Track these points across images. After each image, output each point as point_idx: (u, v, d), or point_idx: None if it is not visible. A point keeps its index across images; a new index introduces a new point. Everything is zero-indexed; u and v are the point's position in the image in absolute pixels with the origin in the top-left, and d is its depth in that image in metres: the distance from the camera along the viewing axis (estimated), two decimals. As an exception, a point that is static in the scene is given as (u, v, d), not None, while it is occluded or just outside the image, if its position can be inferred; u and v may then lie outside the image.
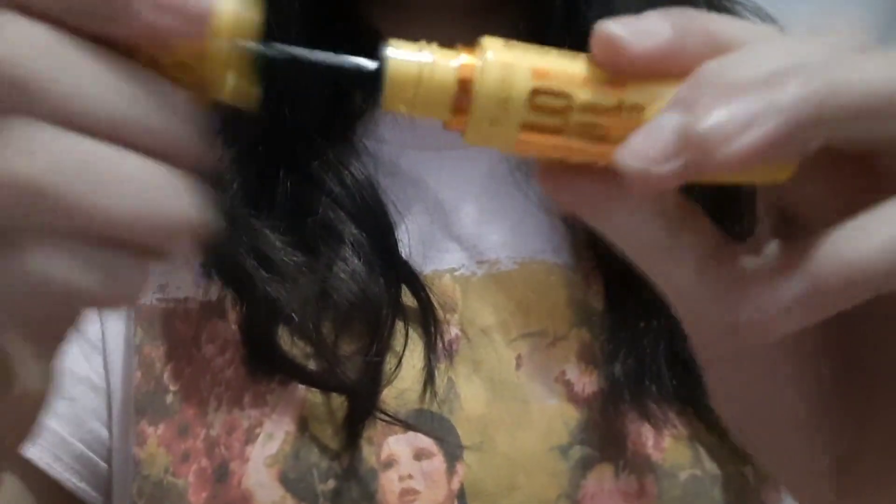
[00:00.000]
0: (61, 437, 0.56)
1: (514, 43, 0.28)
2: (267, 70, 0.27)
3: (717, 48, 0.27)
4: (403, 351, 0.51)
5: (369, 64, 0.27)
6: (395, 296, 0.52)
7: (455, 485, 0.49)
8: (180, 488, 0.51)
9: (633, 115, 0.27)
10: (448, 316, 0.52)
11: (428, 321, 0.52)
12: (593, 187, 0.28)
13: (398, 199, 0.55)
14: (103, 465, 0.57)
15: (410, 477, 0.49)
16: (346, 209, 0.53)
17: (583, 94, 0.27)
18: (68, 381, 0.57)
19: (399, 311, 0.51)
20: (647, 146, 0.25)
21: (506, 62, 0.27)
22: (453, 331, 0.52)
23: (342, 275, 0.51)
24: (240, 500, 0.49)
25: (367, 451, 0.49)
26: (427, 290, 0.52)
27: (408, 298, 0.52)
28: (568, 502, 0.49)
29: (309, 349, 0.51)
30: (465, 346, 0.52)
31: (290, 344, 0.51)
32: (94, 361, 0.57)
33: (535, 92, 0.27)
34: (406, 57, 0.27)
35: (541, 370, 0.51)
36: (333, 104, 0.56)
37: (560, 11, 0.53)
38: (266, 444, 0.50)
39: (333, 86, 0.55)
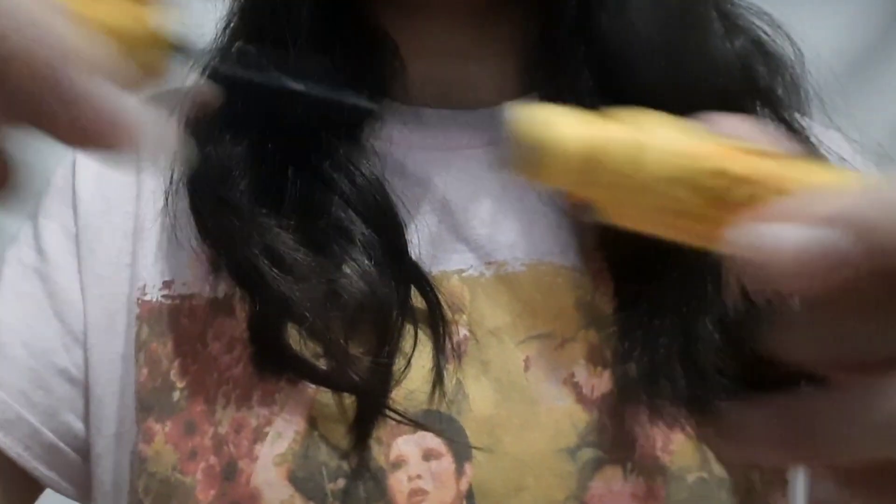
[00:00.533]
0: (33, 427, 0.57)
1: (659, 116, 0.27)
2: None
3: None
4: (412, 352, 0.51)
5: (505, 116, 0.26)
6: (404, 297, 0.52)
7: (463, 485, 0.49)
8: (188, 486, 0.51)
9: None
10: (456, 317, 0.53)
11: (437, 322, 0.52)
12: None
13: (407, 200, 0.55)
14: (74, 455, 0.58)
15: (419, 477, 0.49)
16: (356, 209, 0.53)
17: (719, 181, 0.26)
18: (46, 370, 0.57)
19: (408, 312, 0.52)
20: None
21: (651, 138, 0.26)
22: (462, 332, 0.52)
23: (353, 275, 0.51)
24: (248, 499, 0.49)
25: (376, 451, 0.49)
26: (436, 290, 0.52)
27: (416, 299, 0.52)
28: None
29: (318, 348, 0.51)
30: (474, 347, 0.52)
31: (299, 343, 0.51)
32: (74, 353, 0.57)
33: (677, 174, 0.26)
34: (544, 120, 0.26)
35: (549, 372, 0.52)
36: (340, 101, 0.56)
37: (572, 12, 0.53)
38: (275, 443, 0.50)
39: (336, 82, 0.55)
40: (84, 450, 0.58)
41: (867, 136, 0.63)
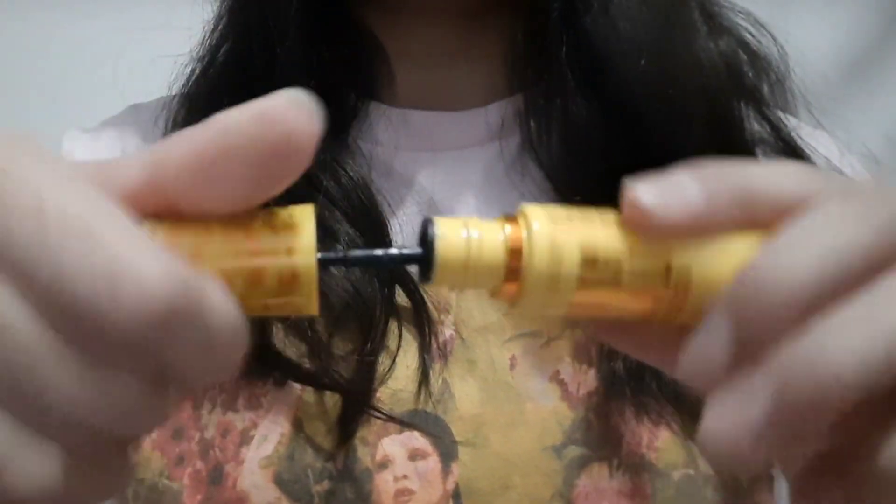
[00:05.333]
0: None
1: (554, 209, 0.28)
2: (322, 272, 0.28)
3: (755, 212, 0.27)
4: (397, 351, 0.51)
5: (416, 251, 0.27)
6: (388, 296, 0.52)
7: (450, 484, 0.49)
8: (175, 491, 0.51)
9: (681, 277, 0.27)
10: (442, 316, 0.52)
11: (422, 321, 0.52)
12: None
13: (392, 200, 0.55)
14: None
15: (405, 477, 0.49)
16: (340, 208, 0.53)
17: (630, 263, 0.27)
18: None
19: (393, 311, 0.52)
20: (703, 366, 0.26)
21: (553, 235, 0.27)
22: (447, 331, 0.52)
23: (337, 274, 0.51)
24: (235, 503, 0.49)
25: (361, 451, 0.49)
26: (421, 290, 0.52)
27: (402, 299, 0.52)
28: (562, 501, 0.49)
29: (303, 349, 0.51)
30: (460, 346, 0.52)
31: (284, 345, 0.51)
32: None
33: (585, 263, 0.27)
34: (453, 236, 0.27)
35: (535, 370, 0.51)
36: (326, 102, 0.56)
37: (557, 14, 0.53)
38: (261, 446, 0.50)
39: (325, 82, 0.55)
40: None
41: (867, 137, 0.63)
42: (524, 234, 0.27)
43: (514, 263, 0.27)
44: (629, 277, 0.27)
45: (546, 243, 0.27)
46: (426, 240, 0.27)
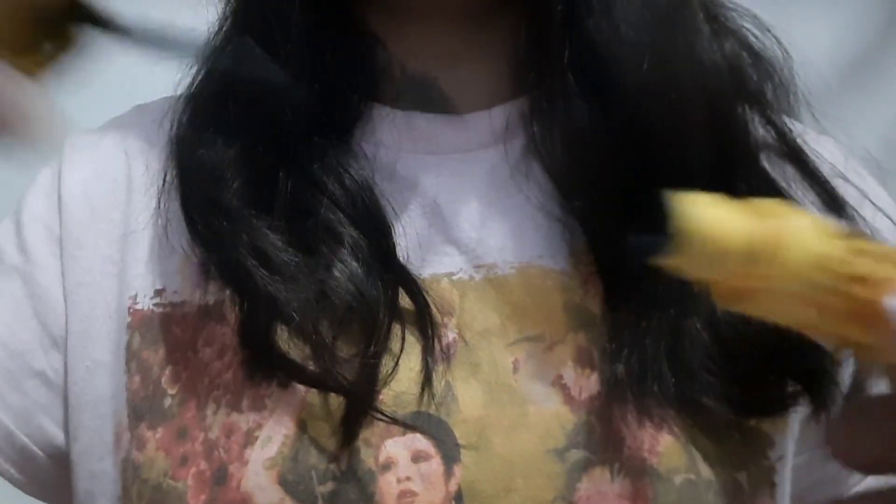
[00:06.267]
0: (7, 429, 0.57)
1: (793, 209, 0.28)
2: None
3: None
4: (400, 353, 0.51)
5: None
6: (392, 299, 0.52)
7: (453, 486, 0.50)
8: (179, 491, 0.51)
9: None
10: (446, 319, 0.53)
11: (425, 324, 0.52)
12: None
13: (396, 203, 0.55)
14: (45, 459, 0.58)
15: (408, 479, 0.50)
16: (345, 211, 0.53)
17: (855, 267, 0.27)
18: (22, 372, 0.57)
19: (396, 313, 0.52)
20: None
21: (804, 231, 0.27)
22: (451, 334, 0.53)
23: (340, 276, 0.51)
24: (239, 503, 0.50)
25: (365, 453, 0.50)
26: (424, 293, 0.53)
27: (406, 302, 0.53)
28: None
29: (307, 350, 0.51)
30: (463, 349, 0.52)
31: (288, 346, 0.51)
32: (52, 357, 0.57)
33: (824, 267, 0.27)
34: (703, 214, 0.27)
35: (538, 374, 0.52)
36: (330, 104, 0.56)
37: (560, 17, 0.53)
38: (265, 447, 0.50)
39: (328, 84, 0.55)
40: (57, 454, 0.58)
41: (866, 139, 0.64)
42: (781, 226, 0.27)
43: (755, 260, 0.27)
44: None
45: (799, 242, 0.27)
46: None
